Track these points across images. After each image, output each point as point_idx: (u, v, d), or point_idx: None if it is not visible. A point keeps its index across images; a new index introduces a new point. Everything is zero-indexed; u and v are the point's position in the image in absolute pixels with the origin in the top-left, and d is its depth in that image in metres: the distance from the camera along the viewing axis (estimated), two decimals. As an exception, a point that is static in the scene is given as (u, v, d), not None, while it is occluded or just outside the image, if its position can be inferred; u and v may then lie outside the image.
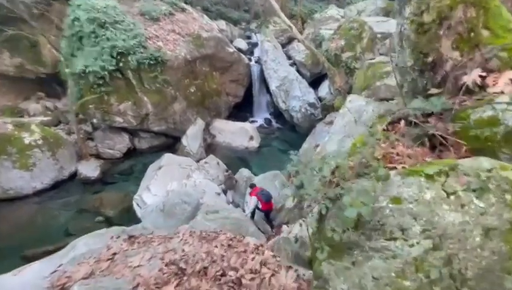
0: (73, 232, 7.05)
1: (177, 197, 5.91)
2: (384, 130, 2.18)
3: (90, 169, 9.82)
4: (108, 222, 7.46)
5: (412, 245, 1.40)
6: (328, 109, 12.05)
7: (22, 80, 12.58)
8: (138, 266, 1.89)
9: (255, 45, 17.14)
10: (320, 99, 13.64)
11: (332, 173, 1.96)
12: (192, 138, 10.68)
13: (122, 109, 10.48)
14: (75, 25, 9.79)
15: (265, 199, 5.79)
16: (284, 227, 5.60)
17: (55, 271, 1.97)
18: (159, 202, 6.09)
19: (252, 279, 2.10)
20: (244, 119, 14.83)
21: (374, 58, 9.22)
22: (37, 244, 6.56)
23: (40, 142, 8.92)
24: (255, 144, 11.98)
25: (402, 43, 2.56)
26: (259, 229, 4.88)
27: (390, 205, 1.52)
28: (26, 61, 11.93)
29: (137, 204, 7.27)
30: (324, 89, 13.99)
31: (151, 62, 10.17)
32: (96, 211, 7.86)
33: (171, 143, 11.99)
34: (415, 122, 2.06)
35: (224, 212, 4.54)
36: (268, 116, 15.89)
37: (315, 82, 14.73)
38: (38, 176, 8.68)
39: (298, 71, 14.53)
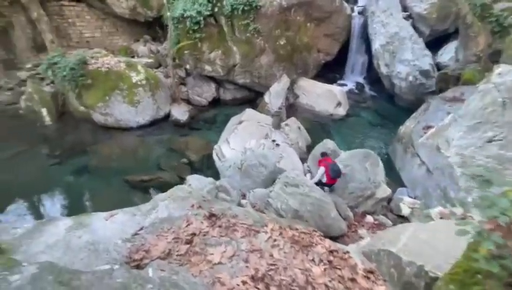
0: (164, 167, 7.96)
1: (255, 158, 5.71)
2: None
3: (180, 113, 10.65)
4: (191, 165, 8.10)
5: None
6: (448, 80, 9.36)
7: (134, 23, 13.97)
8: (218, 263, 1.58)
9: (362, -10, 14.19)
10: (438, 66, 10.71)
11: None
12: (274, 96, 10.14)
13: (212, 58, 10.56)
14: (178, -34, 9.72)
15: (333, 175, 5.22)
16: (369, 217, 4.81)
17: (136, 234, 1.88)
18: (237, 159, 6.04)
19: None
20: (332, 81, 13.24)
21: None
22: (135, 171, 7.68)
23: (144, 82, 9.95)
24: (341, 111, 10.64)
25: None
26: (339, 214, 4.25)
27: None
28: (138, 4, 12.94)
29: (217, 154, 7.52)
30: (448, 53, 10.84)
31: (245, 8, 9.52)
32: (182, 152, 8.59)
33: (253, 98, 11.81)
34: None
35: (305, 189, 4.04)
36: (362, 81, 13.77)
37: (435, 43, 11.51)
38: (141, 112, 9.89)
39: (414, 27, 11.47)
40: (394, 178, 6.78)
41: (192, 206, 2.26)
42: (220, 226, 1.90)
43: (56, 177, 7.73)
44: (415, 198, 5.78)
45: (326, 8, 11.65)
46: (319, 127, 10.05)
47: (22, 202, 6.79)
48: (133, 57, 13.16)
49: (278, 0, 10.20)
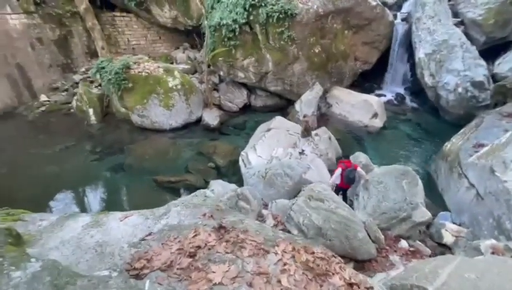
0: (191, 170, 8.12)
1: (280, 168, 5.52)
2: None
3: (211, 117, 10.89)
4: (217, 170, 8.16)
5: None
6: (506, 93, 8.30)
7: (175, 31, 14.79)
8: (219, 284, 1.45)
9: (407, -4, 13.39)
10: (494, 78, 9.56)
11: None
12: (306, 104, 9.87)
13: (245, 64, 10.68)
14: (218, -24, 10.08)
15: (346, 180, 5.35)
16: (403, 243, 4.30)
17: (143, 239, 1.83)
18: (262, 167, 5.90)
19: None
20: (369, 91, 12.58)
21: None
22: (164, 172, 7.94)
23: (179, 87, 10.38)
24: (378, 123, 9.97)
25: None
26: (368, 235, 3.86)
27: None
28: (179, 13, 13.69)
29: (243, 160, 7.47)
30: (507, 63, 9.64)
31: (280, 16, 9.49)
32: (210, 156, 8.72)
33: (284, 105, 11.66)
34: None
35: (331, 204, 3.74)
36: (402, 92, 12.87)
37: (491, 52, 10.33)
38: (175, 115, 10.30)
39: (466, 35, 10.43)
40: (436, 200, 6.07)
41: (204, 215, 2.17)
42: (227, 241, 1.77)
43: (94, 173, 8.31)
44: (460, 225, 5.08)
45: (367, 15, 11.18)
46: (351, 138, 9.51)
47: (61, 194, 7.39)
48: (171, 63, 13.87)
49: (314, 8, 10.02)
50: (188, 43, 15.23)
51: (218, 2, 10.55)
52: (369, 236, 3.93)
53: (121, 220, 2.15)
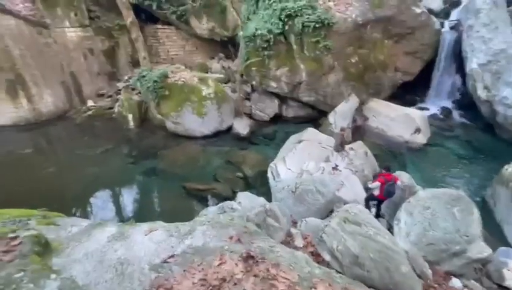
0: (219, 179, 8.10)
1: (311, 183, 5.20)
2: None
3: (242, 126, 10.89)
4: (245, 180, 8.03)
5: None
6: None
7: (211, 42, 15.31)
8: None
9: (456, 3, 12.39)
10: None
11: None
12: (340, 116, 9.42)
13: (278, 74, 10.59)
14: (255, -12, 10.24)
15: (385, 194, 5.25)
16: (455, 281, 3.70)
17: (165, 262, 1.70)
18: (292, 181, 5.63)
19: None
20: (410, 104, 11.68)
21: None
22: (193, 178, 8.01)
23: (212, 95, 10.58)
24: (420, 139, 9.13)
25: None
26: (413, 269, 3.37)
27: None
28: (216, 25, 14.17)
29: (272, 172, 7.26)
30: None
31: (317, 25, 9.29)
32: (238, 165, 8.64)
33: (316, 117, 11.27)
34: None
35: (369, 230, 3.35)
36: (449, 105, 11.77)
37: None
38: (206, 123, 10.48)
39: (530, 43, 9.23)
40: (493, 232, 5.24)
41: (231, 238, 2.00)
42: (256, 275, 1.57)
43: (129, 176, 8.69)
44: (526, 265, 4.28)
45: (410, 24, 10.49)
46: (390, 154, 8.81)
47: (97, 195, 7.79)
48: (206, 72, 14.31)
49: (353, 17, 9.66)
50: (223, 53, 15.64)
51: (253, 13, 10.70)
52: (414, 270, 3.43)
53: (146, 235, 2.07)
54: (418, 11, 10.48)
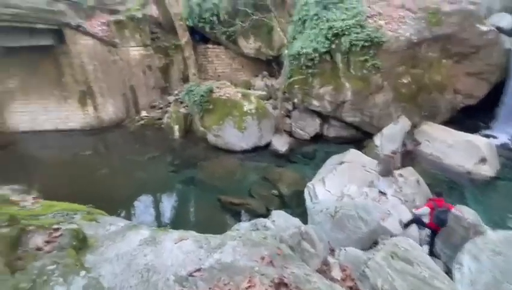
0: (254, 194, 7.99)
1: (353, 208, 4.75)
2: None
3: (280, 143, 10.77)
4: (280, 198, 7.78)
5: None
6: None
7: (256, 61, 15.85)
8: None
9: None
10: None
11: None
12: (388, 138, 8.71)
13: (321, 93, 10.37)
14: (303, 9, 10.41)
15: (436, 221, 4.70)
16: None
17: (191, 275, 1.61)
18: (331, 204, 5.23)
19: None
20: (472, 130, 10.32)
21: None
22: (229, 192, 8.03)
23: (253, 111, 10.77)
24: (487, 170, 7.91)
25: None
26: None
27: None
28: (263, 45, 14.66)
29: (309, 193, 6.90)
30: None
31: (365, 44, 8.97)
32: (274, 183, 8.45)
33: (360, 138, 10.63)
34: None
35: (422, 271, 2.85)
36: (524, 134, 10.11)
37: None
38: (246, 138, 10.62)
39: None
40: None
41: (263, 259, 1.83)
42: (287, 306, 1.39)
43: (169, 183, 9.11)
44: None
45: (474, 42, 9.52)
46: (447, 186, 7.74)
47: (139, 198, 8.26)
48: (249, 89, 14.72)
49: (406, 35, 9.12)
50: (267, 71, 16.03)
51: (300, 32, 10.81)
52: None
53: (176, 243, 2.03)
54: (484, 28, 9.48)
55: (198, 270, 1.71)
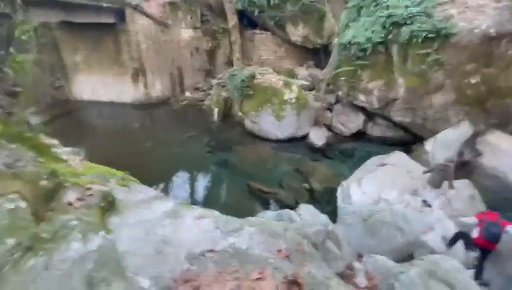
0: (284, 185, 7.85)
1: (391, 215, 4.33)
2: None
3: (318, 137, 10.34)
4: (311, 193, 7.52)
5: None
6: None
7: (302, 49, 15.26)
8: None
9: None
10: None
11: None
12: (442, 144, 7.72)
13: (370, 87, 9.57)
14: (360, -6, 9.57)
15: (485, 235, 3.95)
16: None
17: (202, 255, 1.56)
18: (365, 208, 4.85)
19: None
20: (554, 147, 8.63)
21: None
22: (259, 179, 8.01)
23: (293, 100, 10.44)
24: None
25: None
26: None
27: None
28: (311, 32, 13.99)
29: (342, 191, 6.53)
30: None
31: (429, 36, 7.93)
32: (306, 176, 8.19)
33: (408, 141, 9.66)
34: None
35: (467, 297, 2.47)
36: None
37: None
38: (283, 127, 10.41)
39: None
40: None
41: (279, 251, 1.72)
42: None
43: (204, 163, 9.46)
44: None
45: None
46: (510, 207, 6.64)
47: (173, 173, 8.71)
48: (292, 78, 14.31)
49: (482, 28, 7.82)
50: (312, 61, 15.37)
51: (354, 20, 10.00)
52: None
53: (195, 220, 2.02)
54: None
55: (211, 251, 1.67)
